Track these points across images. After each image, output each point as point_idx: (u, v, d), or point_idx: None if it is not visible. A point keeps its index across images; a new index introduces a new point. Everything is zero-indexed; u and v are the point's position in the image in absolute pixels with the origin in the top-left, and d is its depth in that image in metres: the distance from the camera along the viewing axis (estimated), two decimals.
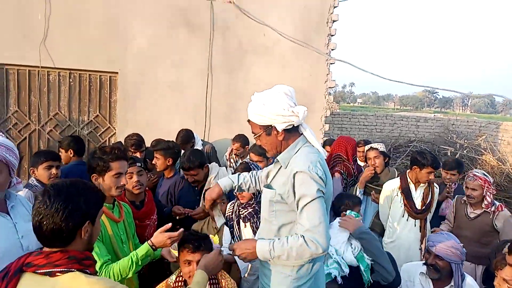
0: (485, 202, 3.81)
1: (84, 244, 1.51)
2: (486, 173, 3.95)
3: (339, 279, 2.60)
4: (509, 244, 2.51)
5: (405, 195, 3.98)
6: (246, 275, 3.01)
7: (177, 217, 3.42)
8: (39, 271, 1.40)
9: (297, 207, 2.00)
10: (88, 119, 5.70)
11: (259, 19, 5.70)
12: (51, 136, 5.63)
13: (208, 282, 2.45)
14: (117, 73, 5.57)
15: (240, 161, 5.02)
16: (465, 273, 3.01)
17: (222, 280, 2.54)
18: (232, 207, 3.28)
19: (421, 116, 14.57)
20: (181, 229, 2.41)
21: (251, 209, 3.12)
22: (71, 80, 5.59)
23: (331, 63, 5.89)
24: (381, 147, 4.53)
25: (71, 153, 3.95)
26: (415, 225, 3.97)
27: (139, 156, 4.11)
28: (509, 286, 2.42)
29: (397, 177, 4.34)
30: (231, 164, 5.06)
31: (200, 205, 3.52)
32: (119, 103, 5.63)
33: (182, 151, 4.12)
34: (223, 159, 5.33)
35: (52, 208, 1.42)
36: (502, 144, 10.85)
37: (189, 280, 2.40)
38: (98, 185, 2.43)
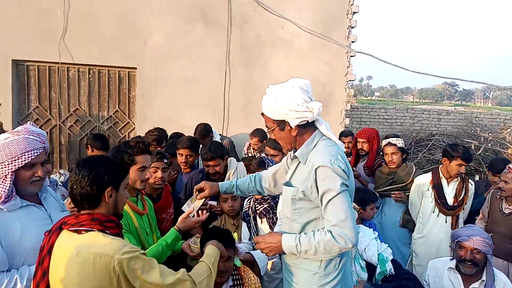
0: None
1: (109, 208, 1.76)
2: None
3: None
4: None
5: (437, 191, 3.86)
6: (268, 268, 2.97)
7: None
8: (70, 228, 1.68)
9: (321, 202, 1.94)
10: (108, 114, 5.73)
11: (277, 12, 5.62)
12: (71, 131, 5.68)
13: (232, 278, 2.44)
14: (135, 68, 5.58)
15: (258, 155, 4.97)
16: (496, 269, 2.91)
17: (245, 275, 2.52)
18: (248, 203, 3.25)
19: (443, 109, 14.23)
20: (207, 214, 2.43)
21: (267, 205, 3.08)
22: (90, 76, 5.62)
23: (351, 56, 5.77)
24: (399, 142, 4.29)
25: (92, 151, 4.05)
26: (446, 222, 3.85)
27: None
28: None
29: (415, 171, 4.23)
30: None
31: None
32: (137, 98, 5.65)
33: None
34: (241, 154, 5.29)
35: (80, 175, 1.70)
36: None
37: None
38: None
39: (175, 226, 2.32)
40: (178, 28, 5.55)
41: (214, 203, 3.21)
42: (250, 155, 5.03)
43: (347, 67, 5.78)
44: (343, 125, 5.85)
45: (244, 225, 3.16)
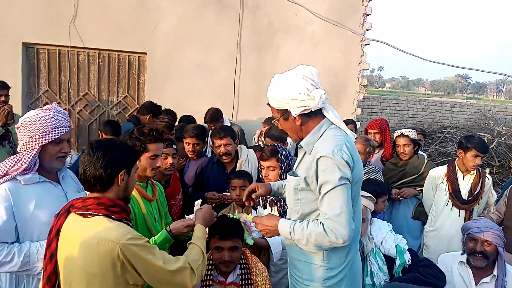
0: None
1: (120, 191, 1.75)
2: None
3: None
4: None
5: (451, 183, 3.77)
6: (274, 259, 2.93)
7: (213, 204, 3.32)
8: (77, 212, 1.68)
9: (319, 193, 1.89)
10: (117, 100, 5.70)
11: None
12: (80, 115, 5.67)
13: (239, 267, 2.41)
14: (145, 53, 5.53)
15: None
16: (508, 264, 2.85)
17: (253, 264, 2.49)
18: None
19: (456, 101, 14.01)
20: (194, 220, 2.28)
21: None
22: (100, 60, 5.58)
23: (365, 44, 5.65)
24: (412, 134, 4.20)
25: (102, 137, 3.97)
26: (459, 215, 3.77)
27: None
28: None
29: (426, 162, 4.16)
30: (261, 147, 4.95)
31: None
32: (147, 84, 5.60)
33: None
34: (251, 142, 5.23)
35: (94, 157, 1.68)
36: None
37: (219, 266, 2.40)
38: None
39: (167, 227, 2.26)
40: (189, 13, 5.47)
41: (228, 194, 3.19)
42: (260, 143, 4.97)
43: (361, 55, 5.67)
44: (354, 115, 5.76)
45: (253, 212, 3.12)
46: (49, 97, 5.55)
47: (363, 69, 5.71)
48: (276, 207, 3.04)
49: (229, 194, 3.25)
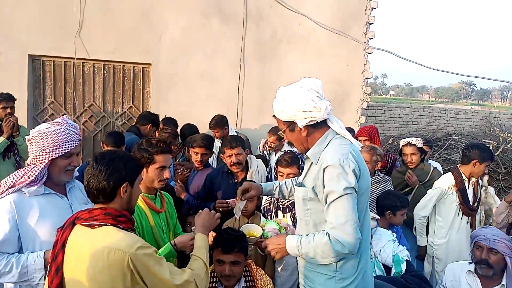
0: None
1: (124, 203, 1.75)
2: None
3: None
4: None
5: (461, 193, 3.74)
6: (279, 269, 2.92)
7: (221, 210, 3.29)
8: (83, 223, 1.68)
9: (325, 202, 1.90)
10: (122, 110, 5.72)
11: (294, 8, 5.54)
12: (86, 127, 5.69)
13: (244, 279, 2.39)
14: (150, 64, 5.56)
15: (274, 153, 4.91)
16: None
17: (257, 276, 2.47)
18: (270, 198, 3.18)
19: (461, 108, 13.96)
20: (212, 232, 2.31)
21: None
22: (105, 72, 5.62)
23: (368, 53, 5.66)
24: (419, 143, 4.24)
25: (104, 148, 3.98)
26: (467, 222, 3.78)
27: (173, 150, 4.06)
28: None
29: (432, 170, 4.18)
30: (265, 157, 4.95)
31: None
32: (152, 94, 5.63)
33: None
34: (256, 151, 5.23)
35: (97, 169, 1.70)
36: None
37: (220, 279, 2.39)
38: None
39: (171, 241, 2.26)
40: (193, 24, 5.51)
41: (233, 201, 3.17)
42: (265, 153, 4.97)
43: (364, 64, 5.68)
44: (359, 124, 5.75)
45: (287, 216, 3.09)
46: (54, 108, 5.59)
47: (366, 78, 5.72)
48: (290, 213, 3.04)
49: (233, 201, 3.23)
